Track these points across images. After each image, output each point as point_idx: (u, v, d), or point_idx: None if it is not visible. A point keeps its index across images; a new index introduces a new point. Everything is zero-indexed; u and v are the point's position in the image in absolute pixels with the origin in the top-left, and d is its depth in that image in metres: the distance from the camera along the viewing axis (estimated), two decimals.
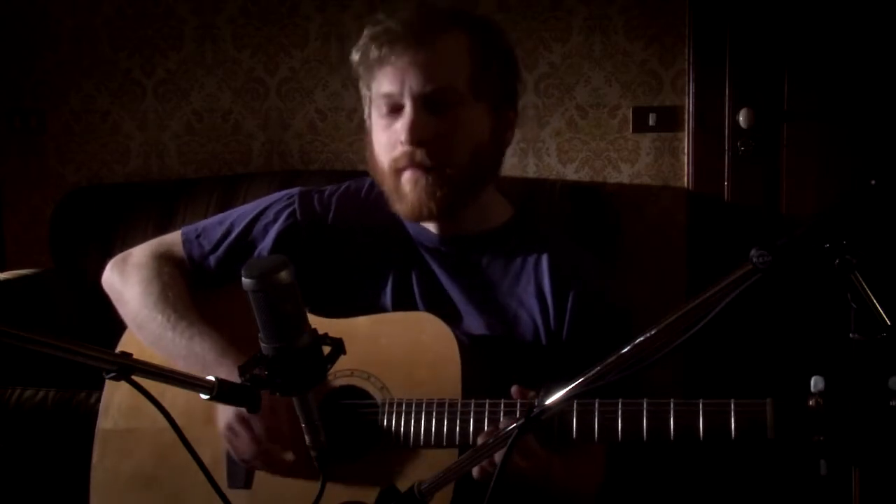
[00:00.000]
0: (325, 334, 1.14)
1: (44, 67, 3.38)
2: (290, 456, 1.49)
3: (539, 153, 3.18)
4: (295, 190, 1.75)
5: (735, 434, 1.27)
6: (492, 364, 1.56)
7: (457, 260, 1.64)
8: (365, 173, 1.72)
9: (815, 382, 1.16)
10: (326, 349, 1.14)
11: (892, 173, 1.01)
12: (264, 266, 1.09)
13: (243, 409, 1.18)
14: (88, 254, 2.99)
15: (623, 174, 3.15)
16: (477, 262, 1.64)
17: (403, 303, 1.64)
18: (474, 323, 1.61)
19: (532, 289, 1.60)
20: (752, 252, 1.01)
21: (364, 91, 1.64)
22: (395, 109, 1.56)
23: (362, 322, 1.59)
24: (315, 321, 1.14)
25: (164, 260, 1.71)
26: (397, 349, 1.54)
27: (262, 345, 1.11)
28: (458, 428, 1.43)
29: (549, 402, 1.14)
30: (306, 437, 1.20)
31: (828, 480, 1.14)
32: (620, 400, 1.34)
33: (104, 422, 1.68)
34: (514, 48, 1.69)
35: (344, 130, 3.22)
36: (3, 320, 1.00)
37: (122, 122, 3.37)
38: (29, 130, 3.40)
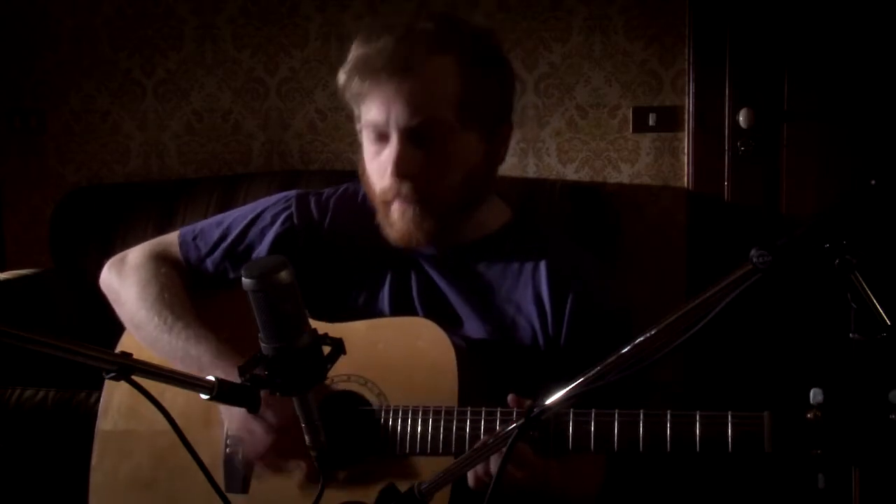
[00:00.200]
0: (325, 334, 1.14)
1: (44, 67, 3.38)
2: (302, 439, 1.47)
3: (539, 153, 3.18)
4: (292, 193, 1.74)
5: (732, 446, 1.26)
6: (489, 370, 1.56)
7: (454, 266, 1.63)
8: None
9: (814, 395, 1.15)
10: (326, 349, 1.14)
11: (892, 173, 1.01)
12: (264, 266, 1.09)
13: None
14: (88, 254, 2.99)
15: (623, 174, 3.15)
16: (474, 267, 1.63)
17: (402, 307, 1.64)
18: (473, 328, 1.61)
19: (530, 294, 1.59)
20: (752, 252, 1.01)
21: (354, 110, 1.61)
22: (382, 137, 1.53)
23: (359, 327, 1.58)
24: (312, 325, 1.14)
25: (162, 261, 1.71)
26: (394, 354, 1.54)
27: (262, 345, 1.11)
28: (454, 436, 1.43)
29: (548, 402, 1.14)
30: (306, 438, 1.20)
31: (826, 494, 1.13)
32: (617, 410, 1.34)
33: (104, 423, 1.68)
34: (509, 62, 1.63)
35: (344, 130, 3.22)
36: (3, 320, 1.00)
37: (122, 122, 3.37)
38: (29, 130, 3.40)
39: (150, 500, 1.61)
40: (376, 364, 1.53)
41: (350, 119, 1.61)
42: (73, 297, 2.97)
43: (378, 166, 1.54)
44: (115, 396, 1.68)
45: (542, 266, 1.60)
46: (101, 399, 1.69)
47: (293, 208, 1.71)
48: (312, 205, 1.71)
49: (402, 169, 1.51)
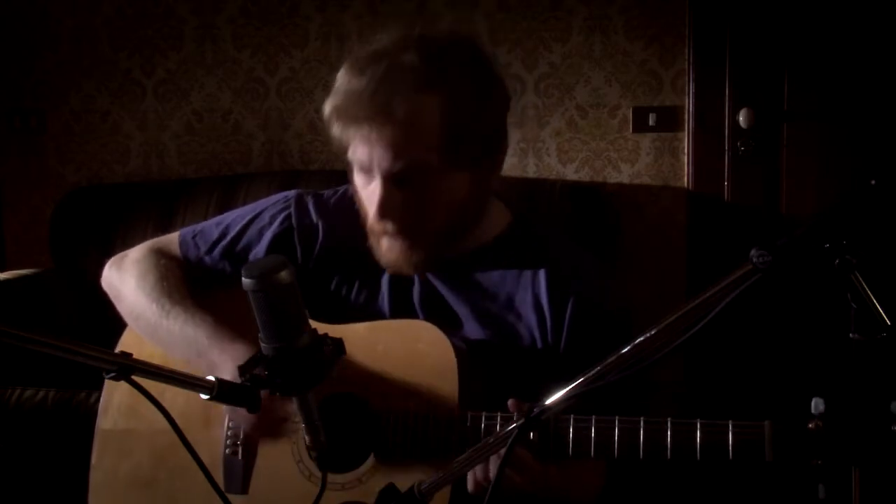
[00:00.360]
0: (326, 335, 1.14)
1: (44, 67, 3.38)
2: (290, 407, 1.47)
3: (539, 153, 3.18)
4: (291, 193, 1.74)
5: (732, 455, 1.26)
6: (490, 373, 1.56)
7: (453, 272, 1.63)
8: None
9: (816, 405, 1.16)
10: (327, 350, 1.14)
11: (892, 173, 1.01)
12: (264, 266, 1.09)
13: None
14: (88, 254, 2.99)
15: (623, 174, 3.15)
16: (474, 275, 1.63)
17: (401, 309, 1.63)
18: (473, 331, 1.61)
19: (530, 300, 1.59)
20: (752, 252, 1.01)
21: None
22: (368, 171, 1.52)
23: (360, 328, 1.58)
24: (312, 325, 1.14)
25: (161, 254, 1.72)
26: (395, 356, 1.54)
27: (262, 345, 1.11)
28: (453, 438, 1.43)
29: (549, 402, 1.14)
30: (306, 438, 1.20)
31: None
32: (617, 417, 1.34)
33: (103, 422, 1.68)
34: (503, 81, 1.58)
35: None
36: (3, 320, 1.00)
37: (122, 122, 3.37)
38: (29, 130, 3.40)
39: (150, 499, 1.61)
40: (376, 366, 1.53)
41: None
42: (73, 297, 2.97)
43: (367, 196, 1.54)
44: (115, 396, 1.68)
45: (542, 272, 1.59)
46: (101, 398, 1.70)
47: (292, 208, 1.71)
48: (311, 205, 1.71)
49: (386, 212, 1.51)
